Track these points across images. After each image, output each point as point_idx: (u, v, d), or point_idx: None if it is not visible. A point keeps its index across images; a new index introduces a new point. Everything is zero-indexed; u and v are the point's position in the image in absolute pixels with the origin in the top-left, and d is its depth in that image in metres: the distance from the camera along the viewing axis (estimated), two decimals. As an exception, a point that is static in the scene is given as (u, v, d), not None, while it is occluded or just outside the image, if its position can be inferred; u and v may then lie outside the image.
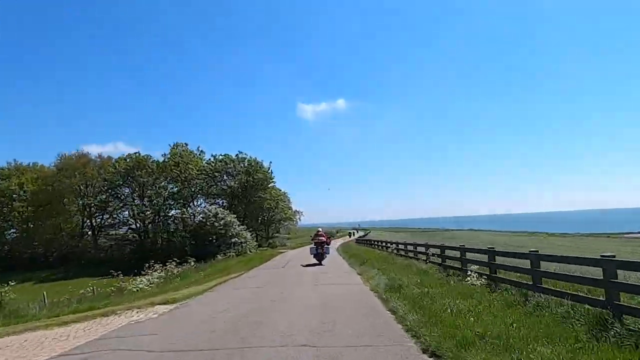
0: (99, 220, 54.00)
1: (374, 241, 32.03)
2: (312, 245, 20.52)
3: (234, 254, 38.58)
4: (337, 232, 65.68)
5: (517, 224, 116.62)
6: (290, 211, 67.64)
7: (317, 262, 19.60)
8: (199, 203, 48.53)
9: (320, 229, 21.91)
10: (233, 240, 39.85)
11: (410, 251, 17.23)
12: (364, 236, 55.85)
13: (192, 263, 26.92)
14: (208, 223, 40.16)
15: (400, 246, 19.86)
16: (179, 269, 25.44)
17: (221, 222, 40.24)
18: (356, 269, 16.33)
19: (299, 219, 77.39)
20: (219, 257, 35.59)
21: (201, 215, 41.46)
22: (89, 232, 54.60)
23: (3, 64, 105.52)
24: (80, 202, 50.47)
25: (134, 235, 49.65)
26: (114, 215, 51.20)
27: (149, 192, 47.80)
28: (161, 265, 22.59)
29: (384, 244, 25.73)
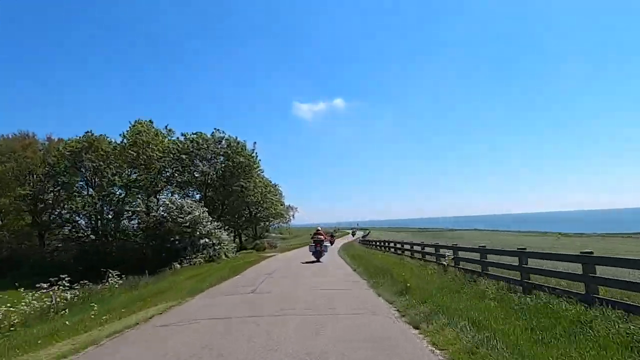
0: (48, 215, 43.89)
1: (384, 242, 27.28)
2: (312, 244, 21.17)
3: (201, 260, 28.77)
4: (335, 232, 57.61)
5: (520, 224, 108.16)
6: (282, 207, 57.82)
7: (315, 259, 20.18)
8: (167, 195, 38.40)
9: (319, 228, 22.51)
10: (202, 241, 29.97)
11: (430, 254, 14.28)
12: (366, 235, 52.39)
13: (116, 279, 17.19)
14: (170, 219, 30.30)
15: (416, 247, 17.04)
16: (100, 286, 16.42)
17: (187, 218, 30.39)
18: (393, 311, 7.38)
19: (293, 216, 67.79)
20: (178, 265, 25.84)
21: (162, 209, 31.47)
22: (38, 231, 44.44)
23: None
24: (20, 193, 40.25)
25: (82, 234, 39.43)
26: (62, 210, 40.91)
27: (100, 180, 37.68)
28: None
29: (398, 245, 21.55)
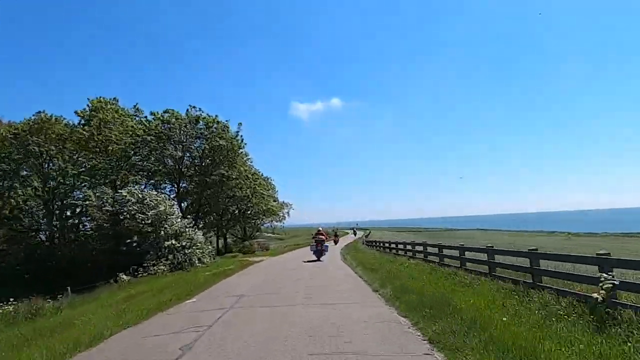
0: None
1: (394, 244, 22.75)
2: (313, 243, 21.56)
3: (165, 268, 21.99)
4: (336, 231, 52.55)
5: (524, 224, 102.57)
6: (275, 203, 51.12)
7: (316, 258, 20.39)
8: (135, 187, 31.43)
9: (320, 228, 22.81)
10: (168, 244, 23.21)
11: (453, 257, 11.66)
12: (367, 235, 50.28)
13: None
14: (127, 214, 23.52)
15: (430, 249, 14.49)
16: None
17: (149, 214, 23.66)
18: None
19: (288, 213, 61.16)
20: (125, 277, 19.08)
21: (118, 203, 24.58)
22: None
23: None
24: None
25: (30, 234, 32.39)
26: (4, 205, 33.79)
27: (49, 169, 30.74)
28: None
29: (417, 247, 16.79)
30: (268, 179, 49.54)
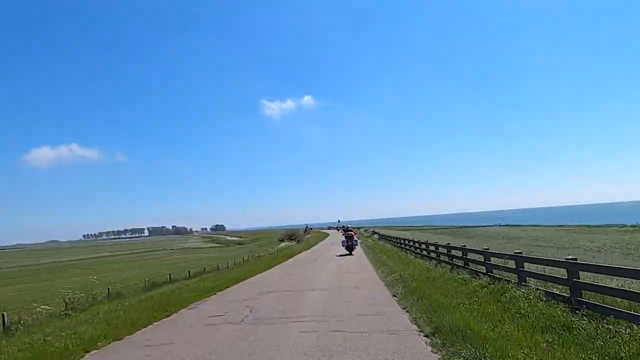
0: None
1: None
2: (343, 239, 23.40)
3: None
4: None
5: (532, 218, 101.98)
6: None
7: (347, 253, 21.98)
8: None
9: (349, 226, 27.70)
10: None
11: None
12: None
13: None
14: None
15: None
16: None
17: None
18: None
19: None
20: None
21: None
22: None
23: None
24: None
25: None
26: None
27: None
28: None
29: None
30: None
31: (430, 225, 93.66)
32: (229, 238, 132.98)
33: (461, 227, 75.55)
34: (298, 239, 56.77)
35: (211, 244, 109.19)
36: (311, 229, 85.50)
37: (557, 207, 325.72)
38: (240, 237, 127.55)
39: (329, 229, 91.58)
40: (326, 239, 51.48)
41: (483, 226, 72.29)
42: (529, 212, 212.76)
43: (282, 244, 49.32)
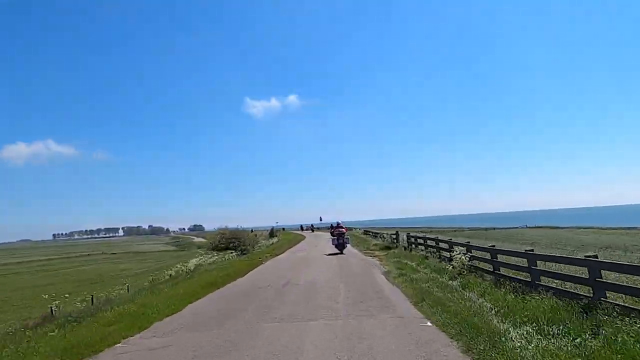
0: None
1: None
2: (334, 237, 21.73)
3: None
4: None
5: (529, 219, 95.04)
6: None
7: (338, 251, 20.29)
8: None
9: (339, 222, 23.65)
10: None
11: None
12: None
13: None
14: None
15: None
16: None
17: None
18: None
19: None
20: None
21: None
22: None
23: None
24: None
25: None
26: None
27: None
28: None
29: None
30: None
31: (450, 227, 78.01)
32: (195, 240, 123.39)
33: (486, 228, 64.15)
34: (243, 247, 30.24)
35: (168, 247, 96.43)
36: (283, 229, 69.94)
37: (560, 209, 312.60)
38: (206, 239, 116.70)
39: (301, 229, 70.61)
40: (299, 243, 33.59)
41: (506, 228, 62.47)
42: (539, 214, 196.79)
43: (201, 259, 24.23)
